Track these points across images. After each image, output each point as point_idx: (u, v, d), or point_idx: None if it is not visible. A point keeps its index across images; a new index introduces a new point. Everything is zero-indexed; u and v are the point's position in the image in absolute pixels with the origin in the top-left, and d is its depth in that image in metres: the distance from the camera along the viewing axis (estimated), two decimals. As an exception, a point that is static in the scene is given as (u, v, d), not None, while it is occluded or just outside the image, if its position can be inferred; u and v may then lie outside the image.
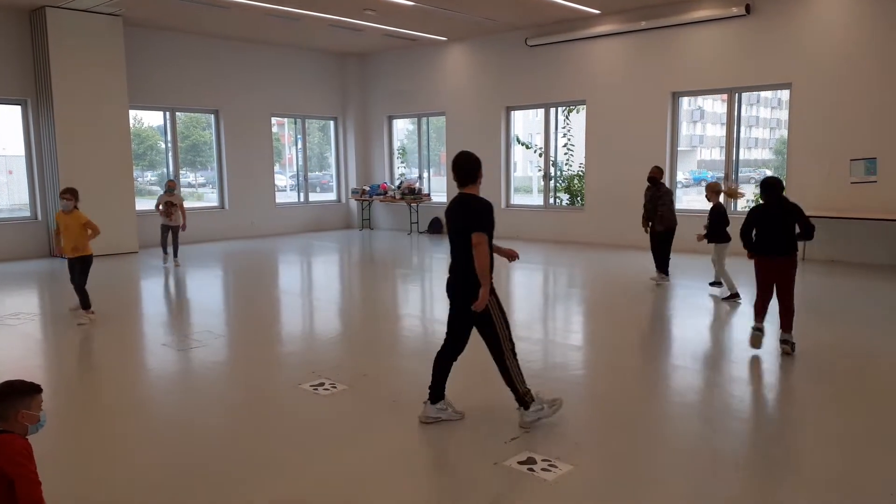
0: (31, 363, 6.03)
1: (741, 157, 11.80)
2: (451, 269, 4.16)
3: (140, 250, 12.57)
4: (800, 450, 3.94)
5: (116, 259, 11.82)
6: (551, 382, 5.09)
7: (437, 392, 4.25)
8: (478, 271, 3.91)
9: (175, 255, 10.79)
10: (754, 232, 5.66)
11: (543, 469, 3.56)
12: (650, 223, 8.82)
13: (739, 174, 11.89)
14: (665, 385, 5.15)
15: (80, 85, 11.66)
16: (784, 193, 5.65)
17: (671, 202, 8.86)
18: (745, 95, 11.86)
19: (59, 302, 8.92)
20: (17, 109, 12.00)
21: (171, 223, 10.68)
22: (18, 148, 12.15)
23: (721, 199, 7.99)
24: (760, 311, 5.70)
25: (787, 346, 5.58)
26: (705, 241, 7.94)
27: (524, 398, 4.10)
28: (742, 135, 11.78)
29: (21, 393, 2.74)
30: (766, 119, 30.49)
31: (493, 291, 4.01)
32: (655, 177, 8.87)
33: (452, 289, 4.15)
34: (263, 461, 3.75)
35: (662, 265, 8.78)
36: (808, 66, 10.42)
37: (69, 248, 7.08)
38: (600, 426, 4.28)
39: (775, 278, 5.59)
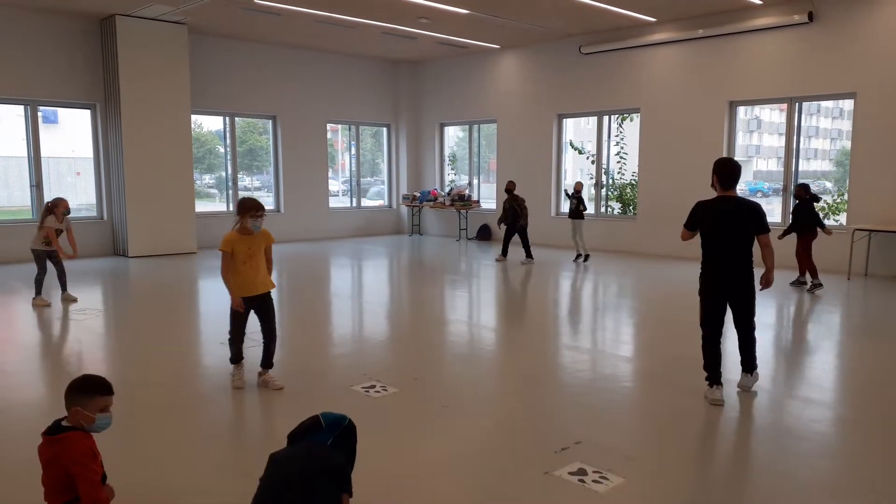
0: (93, 357, 6.30)
1: (800, 168, 11.50)
2: (730, 262, 4.71)
3: (198, 250, 12.97)
4: (849, 472, 3.83)
5: (176, 259, 12.23)
6: (601, 393, 5.07)
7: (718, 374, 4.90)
8: (772, 263, 4.76)
9: (66, 287, 8.48)
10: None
11: (595, 481, 3.56)
12: (507, 222, 11.80)
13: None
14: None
15: (146, 90, 12.13)
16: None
17: (526, 208, 11.86)
18: (804, 105, 11.56)
19: (123, 299, 9.30)
20: (87, 113, 12.55)
21: (52, 249, 8.22)
22: (87, 150, 12.70)
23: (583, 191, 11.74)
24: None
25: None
26: (576, 218, 11.70)
27: (754, 363, 4.93)
28: (801, 145, 11.47)
29: (80, 391, 2.76)
30: (827, 129, 29.59)
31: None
32: (511, 189, 11.79)
33: (735, 278, 4.72)
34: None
35: (527, 253, 11.79)
36: (875, 75, 10.10)
37: (258, 282, 4.97)
38: (652, 440, 4.24)
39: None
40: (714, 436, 4.37)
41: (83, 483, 2.66)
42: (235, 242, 4.89)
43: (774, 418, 4.63)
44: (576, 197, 11.76)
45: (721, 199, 4.74)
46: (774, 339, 6.93)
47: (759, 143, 30.56)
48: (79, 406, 2.74)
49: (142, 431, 4.30)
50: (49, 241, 8.16)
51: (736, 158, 12.39)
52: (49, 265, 8.26)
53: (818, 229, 9.14)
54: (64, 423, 2.79)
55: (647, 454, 3.98)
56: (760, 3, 10.81)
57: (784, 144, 11.50)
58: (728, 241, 4.70)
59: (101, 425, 2.79)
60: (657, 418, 4.62)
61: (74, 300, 8.41)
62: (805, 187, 9.23)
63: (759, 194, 21.18)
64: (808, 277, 9.21)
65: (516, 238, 11.92)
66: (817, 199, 9.32)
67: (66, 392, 2.80)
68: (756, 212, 4.69)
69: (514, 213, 11.70)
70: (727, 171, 4.69)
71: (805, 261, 9.13)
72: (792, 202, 10.18)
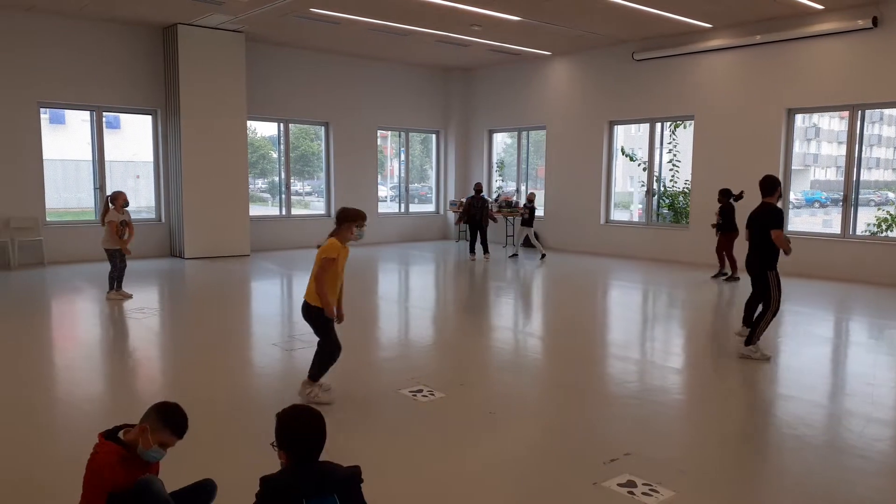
0: (150, 355, 6.51)
1: (861, 177, 11.10)
2: (752, 250, 6.29)
3: (252, 253, 13.28)
4: (924, 494, 3.69)
5: (230, 261, 12.54)
6: (650, 405, 5.00)
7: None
8: (782, 248, 6.05)
9: (121, 285, 8.74)
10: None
11: (644, 493, 3.51)
12: (470, 219, 13.16)
13: (860, 195, 11.19)
14: (773, 415, 4.94)
15: (205, 96, 12.49)
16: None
17: (488, 208, 13.32)
18: (867, 113, 11.17)
19: (179, 299, 9.58)
20: (148, 119, 12.99)
21: (118, 246, 8.57)
22: (147, 154, 13.14)
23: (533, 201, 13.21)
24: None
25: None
26: (526, 226, 13.33)
27: (754, 341, 6.10)
28: (863, 154, 11.08)
29: (160, 414, 2.84)
30: (890, 138, 28.47)
31: (775, 268, 6.15)
32: (479, 190, 13.30)
33: (753, 262, 6.29)
34: (363, 462, 3.89)
35: (485, 249, 13.18)
36: (943, 83, 9.71)
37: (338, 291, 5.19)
38: (703, 453, 4.16)
39: None
40: (769, 451, 4.26)
41: (84, 490, 2.81)
42: (340, 250, 4.96)
43: (833, 435, 4.49)
44: (528, 207, 13.14)
45: (759, 205, 6.32)
46: (833, 355, 6.72)
47: (817, 151, 29.60)
48: (149, 426, 2.82)
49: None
50: (120, 235, 8.54)
51: (793, 167, 12.16)
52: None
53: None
54: (121, 433, 2.89)
55: (699, 468, 3.91)
56: (822, 8, 10.52)
57: (844, 153, 11.13)
58: (753, 234, 6.29)
59: (151, 455, 2.85)
60: (709, 431, 4.53)
61: (129, 297, 8.66)
62: (724, 193, 10.52)
63: (817, 204, 20.50)
64: (727, 269, 10.69)
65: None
66: (740, 197, 10.34)
67: (151, 407, 2.90)
68: (770, 213, 6.14)
69: (481, 215, 13.15)
70: (762, 183, 6.32)
71: (727, 256, 10.65)
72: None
